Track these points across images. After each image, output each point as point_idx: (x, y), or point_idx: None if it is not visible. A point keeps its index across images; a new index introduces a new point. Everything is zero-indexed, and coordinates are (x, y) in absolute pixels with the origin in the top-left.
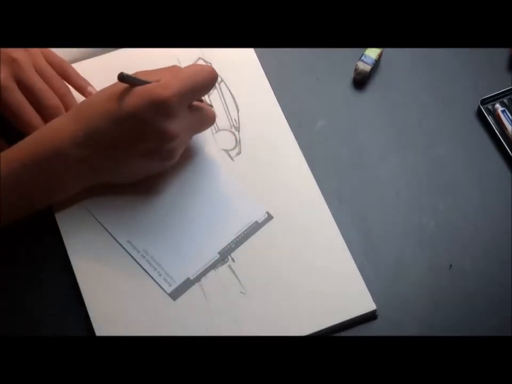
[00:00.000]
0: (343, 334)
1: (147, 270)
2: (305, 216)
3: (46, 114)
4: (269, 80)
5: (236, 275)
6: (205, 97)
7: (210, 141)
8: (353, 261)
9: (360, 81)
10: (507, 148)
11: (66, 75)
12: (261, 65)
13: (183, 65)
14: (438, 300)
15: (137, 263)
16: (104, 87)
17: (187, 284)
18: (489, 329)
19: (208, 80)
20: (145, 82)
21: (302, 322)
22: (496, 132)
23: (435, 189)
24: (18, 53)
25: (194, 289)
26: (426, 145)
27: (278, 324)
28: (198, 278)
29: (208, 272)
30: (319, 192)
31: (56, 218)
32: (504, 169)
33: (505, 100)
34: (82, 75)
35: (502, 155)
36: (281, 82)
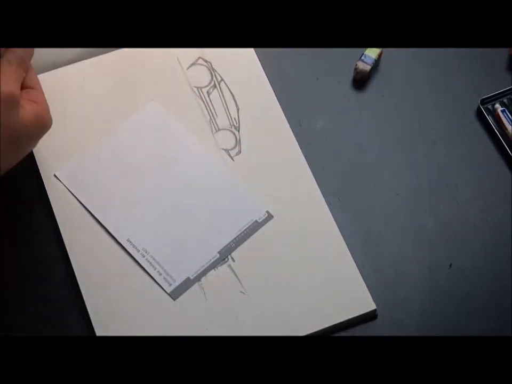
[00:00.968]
0: (343, 334)
1: (147, 270)
2: (305, 215)
3: None
4: (269, 80)
5: (236, 275)
6: (205, 97)
7: (210, 141)
8: (353, 261)
9: (360, 81)
10: (507, 147)
11: None
12: (261, 65)
13: (183, 65)
14: (438, 300)
15: (137, 262)
16: (103, 87)
17: (187, 284)
18: (489, 329)
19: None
20: None
21: (302, 322)
22: (496, 131)
23: (435, 189)
24: None
25: (194, 289)
26: (426, 145)
27: (278, 324)
28: (198, 278)
29: (208, 271)
30: (319, 192)
31: (56, 218)
32: (504, 169)
33: (505, 100)
34: (81, 75)
35: (502, 155)
36: (281, 82)
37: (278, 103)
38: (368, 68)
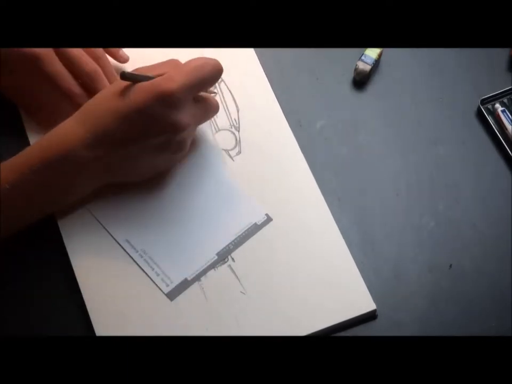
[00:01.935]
0: (343, 334)
1: (145, 270)
2: (305, 216)
3: (85, 80)
4: (269, 80)
5: (236, 275)
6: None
7: (211, 141)
8: (353, 261)
9: (360, 81)
10: (507, 147)
11: None
12: (261, 65)
13: None
14: (438, 300)
15: (135, 262)
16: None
17: (184, 285)
18: (489, 329)
19: (214, 72)
20: (147, 78)
21: (302, 322)
22: (496, 131)
23: (435, 189)
24: None
25: (194, 289)
26: (426, 145)
27: (278, 324)
28: (196, 279)
29: (205, 273)
30: (319, 192)
31: (56, 217)
32: (504, 169)
33: (505, 100)
34: None
35: (502, 155)
36: (281, 82)
37: (278, 103)
38: (368, 68)
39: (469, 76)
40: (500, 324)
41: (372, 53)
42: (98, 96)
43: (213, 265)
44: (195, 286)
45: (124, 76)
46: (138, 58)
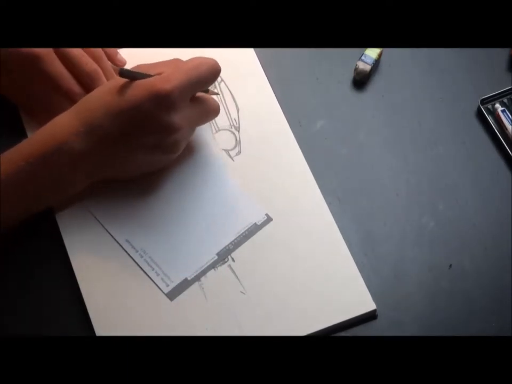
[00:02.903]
0: (343, 334)
1: (145, 270)
2: (305, 216)
3: (85, 80)
4: (269, 80)
5: (236, 275)
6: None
7: (210, 141)
8: (353, 261)
9: (360, 81)
10: (507, 147)
11: None
12: (261, 65)
13: None
14: (438, 300)
15: (135, 262)
16: None
17: (185, 284)
18: (489, 329)
19: (211, 72)
20: (146, 76)
21: (302, 322)
22: (496, 131)
23: (435, 189)
24: None
25: (194, 289)
26: (426, 145)
27: (278, 324)
28: (196, 279)
29: (207, 272)
30: (319, 192)
31: (56, 217)
32: (504, 169)
33: (505, 100)
34: None
35: (502, 155)
36: (281, 82)
37: (278, 103)
38: (368, 67)
39: (469, 76)
40: (500, 324)
41: (372, 53)
42: (95, 91)
43: (213, 265)
44: (195, 286)
45: (123, 73)
46: (138, 58)
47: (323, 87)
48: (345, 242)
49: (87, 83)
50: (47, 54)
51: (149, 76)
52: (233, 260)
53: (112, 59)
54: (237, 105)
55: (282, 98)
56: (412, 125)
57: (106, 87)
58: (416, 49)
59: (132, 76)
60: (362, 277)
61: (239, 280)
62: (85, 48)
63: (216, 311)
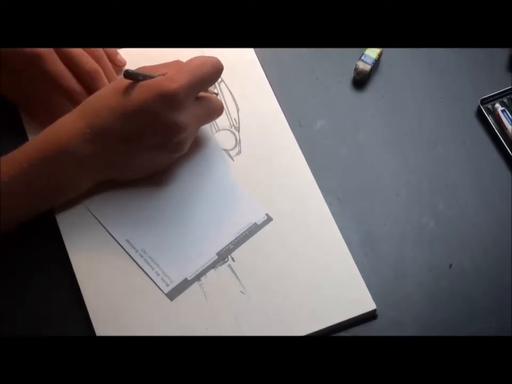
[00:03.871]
0: (343, 334)
1: (145, 270)
2: (305, 215)
3: (86, 79)
4: (269, 80)
5: (236, 275)
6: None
7: (210, 141)
8: (353, 261)
9: (360, 81)
10: (507, 147)
11: None
12: (261, 65)
13: None
14: (438, 300)
15: (135, 262)
16: None
17: (185, 284)
18: (489, 329)
19: (214, 71)
20: (151, 77)
21: (302, 322)
22: (496, 131)
23: (435, 189)
24: None
25: (194, 289)
26: (426, 145)
27: (278, 324)
28: (196, 278)
29: (206, 273)
30: (319, 192)
31: (56, 217)
32: (504, 169)
33: (505, 100)
34: None
35: (502, 155)
36: (281, 82)
37: (278, 103)
38: (368, 67)
39: (469, 76)
40: (499, 324)
41: (372, 53)
42: (99, 93)
43: (213, 265)
44: (195, 286)
45: (128, 74)
46: (139, 58)
47: (323, 87)
48: (345, 242)
49: (87, 82)
50: (48, 53)
51: (153, 76)
52: (233, 259)
53: (112, 59)
54: (237, 105)
55: (282, 98)
56: (412, 125)
57: (111, 88)
58: (416, 49)
59: (137, 76)
60: (362, 277)
61: (239, 280)
62: (85, 48)
63: (216, 311)
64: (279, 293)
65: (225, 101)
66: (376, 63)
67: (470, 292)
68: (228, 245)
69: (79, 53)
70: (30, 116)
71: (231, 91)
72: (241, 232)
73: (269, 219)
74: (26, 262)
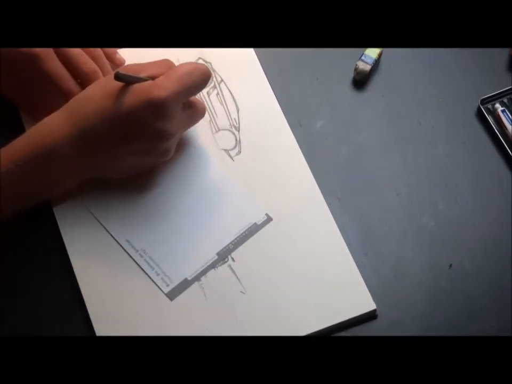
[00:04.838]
0: (343, 334)
1: (145, 270)
2: (305, 215)
3: (85, 80)
4: (269, 80)
5: (236, 275)
6: (205, 98)
7: (210, 141)
8: (353, 261)
9: (360, 81)
10: (507, 147)
11: None
12: (261, 65)
13: None
14: (438, 300)
15: (135, 262)
16: None
17: (185, 284)
18: (489, 329)
19: (202, 79)
20: (141, 80)
21: (302, 322)
22: (496, 131)
23: (435, 189)
24: None
25: (194, 289)
26: (426, 145)
27: (278, 324)
28: (196, 278)
29: (207, 271)
30: (319, 192)
31: (56, 217)
32: (504, 169)
33: (505, 100)
34: None
35: (502, 155)
36: (281, 82)
37: (278, 103)
38: (368, 67)
39: (469, 76)
40: (499, 324)
41: (372, 53)
42: (87, 94)
43: (213, 265)
44: (195, 286)
45: (118, 76)
46: (138, 58)
47: (323, 87)
48: (345, 242)
49: (86, 83)
50: (47, 53)
51: (144, 80)
52: (233, 259)
53: (111, 58)
54: (237, 105)
55: (282, 98)
56: (412, 125)
57: (100, 91)
58: (416, 49)
59: (128, 79)
60: (362, 277)
61: (239, 280)
62: (83, 48)
63: (216, 311)
64: (279, 293)
65: (225, 101)
66: (376, 63)
67: (470, 292)
68: (227, 245)
69: (78, 53)
70: (30, 116)
71: (231, 91)
72: (241, 232)
73: (269, 219)
74: (26, 262)
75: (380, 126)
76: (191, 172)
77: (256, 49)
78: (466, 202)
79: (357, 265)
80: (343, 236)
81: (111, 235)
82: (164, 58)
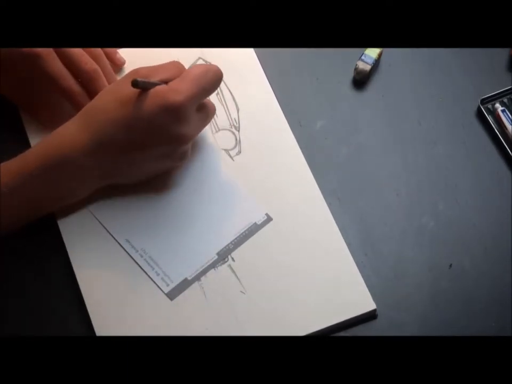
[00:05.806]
0: (343, 334)
1: (145, 270)
2: (305, 215)
3: (85, 79)
4: (269, 80)
5: (236, 274)
6: None
7: (210, 141)
8: (353, 261)
9: (360, 81)
10: (507, 147)
11: None
12: (261, 65)
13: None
14: (438, 300)
15: (135, 262)
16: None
17: (185, 284)
18: (489, 329)
19: (216, 80)
20: (157, 85)
21: (302, 322)
22: (496, 131)
23: (435, 189)
24: None
25: (194, 289)
26: (426, 145)
27: (278, 324)
28: (197, 278)
29: (206, 272)
30: (319, 192)
31: (56, 217)
32: (504, 169)
33: (505, 100)
34: None
35: (502, 155)
36: (281, 82)
37: (278, 103)
38: (368, 67)
39: (469, 76)
40: (500, 324)
41: (372, 53)
42: (101, 102)
43: (213, 265)
44: (195, 286)
45: (137, 84)
46: (138, 58)
47: (323, 87)
48: (345, 242)
49: (86, 82)
50: (47, 53)
51: (159, 84)
52: (233, 259)
53: (112, 58)
54: (237, 105)
55: (282, 98)
56: (412, 125)
57: (114, 98)
58: (416, 49)
59: (145, 86)
60: (362, 277)
61: (239, 280)
62: (85, 49)
63: (216, 311)
64: (279, 293)
65: (225, 101)
66: (376, 63)
67: (470, 292)
68: (227, 244)
69: (78, 53)
70: (30, 116)
71: (231, 91)
72: (241, 232)
73: (269, 219)
74: (27, 262)
75: (380, 126)
76: (191, 172)
77: (256, 49)
78: (466, 202)
79: (357, 265)
80: (343, 235)
81: (111, 235)
82: (172, 60)
